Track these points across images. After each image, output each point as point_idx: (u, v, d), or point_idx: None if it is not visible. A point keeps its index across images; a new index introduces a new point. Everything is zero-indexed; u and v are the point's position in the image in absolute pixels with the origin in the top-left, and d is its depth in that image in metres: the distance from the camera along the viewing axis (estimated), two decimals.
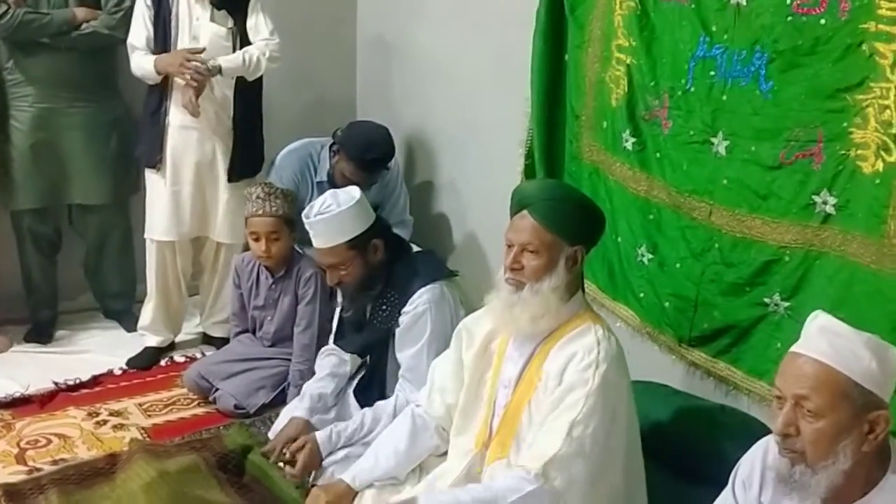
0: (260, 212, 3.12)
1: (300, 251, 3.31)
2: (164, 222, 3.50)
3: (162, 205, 3.49)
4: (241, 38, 3.44)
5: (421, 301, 2.71)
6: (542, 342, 2.17)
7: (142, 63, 3.36)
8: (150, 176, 3.52)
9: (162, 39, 3.37)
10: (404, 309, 2.73)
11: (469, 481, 2.30)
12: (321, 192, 3.44)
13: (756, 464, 1.72)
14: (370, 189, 3.39)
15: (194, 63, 3.27)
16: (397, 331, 2.75)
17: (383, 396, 2.80)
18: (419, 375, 2.68)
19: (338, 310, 2.95)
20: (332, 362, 2.93)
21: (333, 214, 2.70)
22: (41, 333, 3.76)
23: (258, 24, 3.45)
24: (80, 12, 3.40)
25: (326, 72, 4.26)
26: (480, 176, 3.48)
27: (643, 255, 2.60)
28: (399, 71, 4.03)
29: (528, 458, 2.04)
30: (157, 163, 3.46)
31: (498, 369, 2.27)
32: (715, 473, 1.90)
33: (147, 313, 3.66)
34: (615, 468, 2.09)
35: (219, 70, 3.33)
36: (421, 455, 2.45)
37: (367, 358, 2.91)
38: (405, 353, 2.74)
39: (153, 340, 3.67)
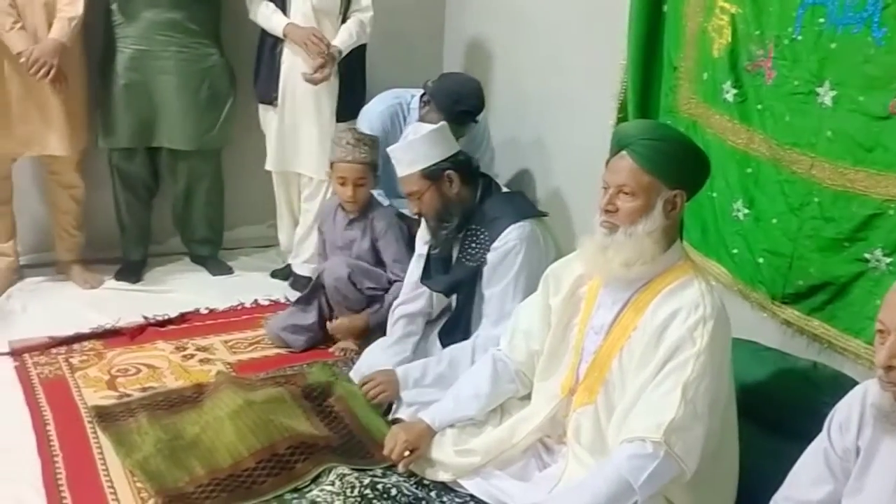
0: (350, 158, 3.19)
1: (379, 198, 3.38)
2: (274, 155, 3.70)
3: (272, 138, 3.69)
4: None
5: (511, 237, 2.71)
6: (638, 290, 2.14)
7: (272, 21, 3.54)
8: (266, 112, 3.71)
9: None
10: (493, 245, 2.73)
11: (554, 427, 2.31)
12: None
13: (854, 406, 1.68)
14: (458, 142, 3.40)
15: (322, 43, 3.47)
16: (485, 268, 2.75)
17: (467, 338, 2.80)
18: (501, 311, 2.70)
19: (425, 248, 2.97)
20: (402, 325, 2.97)
21: (408, 142, 2.79)
22: (130, 273, 3.87)
23: None
24: None
25: (415, 23, 4.28)
26: (569, 131, 3.45)
27: (739, 211, 2.55)
28: (487, 23, 4.01)
29: (643, 427, 1.97)
30: (273, 99, 3.62)
31: (587, 315, 2.25)
32: (807, 428, 1.86)
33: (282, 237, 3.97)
34: (717, 423, 2.06)
35: (339, 53, 3.53)
36: (500, 398, 2.47)
37: (454, 299, 2.93)
38: (491, 289, 2.74)
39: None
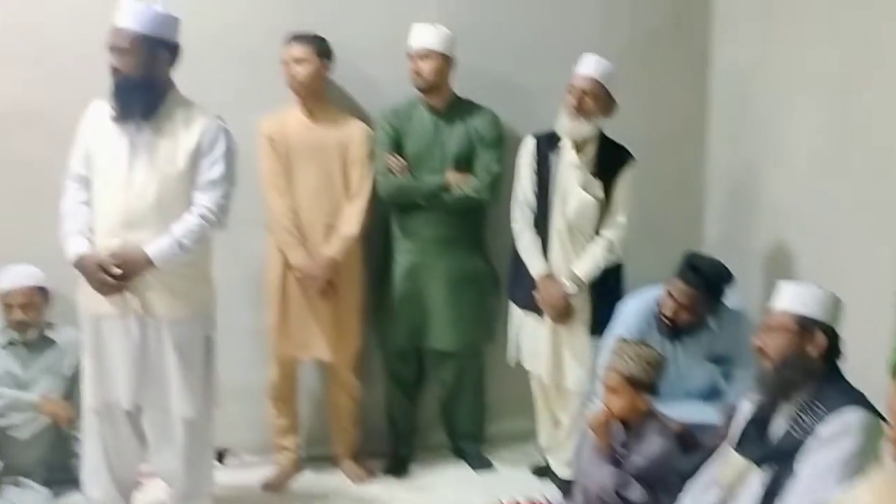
0: (609, 364, 3.19)
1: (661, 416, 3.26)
2: (532, 359, 3.75)
3: (542, 347, 3.71)
4: (607, 208, 3.62)
5: (851, 420, 2.48)
6: None
7: (531, 265, 3.66)
8: (533, 321, 3.74)
9: (542, 197, 3.64)
10: (827, 418, 2.52)
11: None
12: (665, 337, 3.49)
13: None
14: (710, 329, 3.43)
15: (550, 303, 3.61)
16: (810, 440, 2.53)
17: None
18: (809, 496, 2.48)
19: (746, 410, 2.82)
20: None
21: (808, 287, 2.72)
22: (398, 468, 4.06)
23: (618, 203, 3.62)
24: (452, 177, 3.77)
25: (673, 221, 4.34)
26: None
27: None
28: (755, 222, 3.94)
29: None
30: (535, 307, 3.68)
31: None
32: None
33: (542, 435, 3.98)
34: None
35: (580, 283, 3.59)
36: None
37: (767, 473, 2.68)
38: (810, 466, 2.49)
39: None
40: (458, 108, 3.88)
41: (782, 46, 3.71)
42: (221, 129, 3.16)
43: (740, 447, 2.75)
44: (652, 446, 3.13)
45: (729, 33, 4.18)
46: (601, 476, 3.12)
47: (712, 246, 4.26)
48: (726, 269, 3.45)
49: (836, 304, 2.69)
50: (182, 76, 3.33)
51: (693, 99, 4.32)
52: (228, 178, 3.17)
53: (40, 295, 3.64)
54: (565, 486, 3.68)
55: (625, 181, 3.63)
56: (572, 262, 3.61)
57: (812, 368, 2.64)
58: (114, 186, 3.09)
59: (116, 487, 3.34)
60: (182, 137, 3.11)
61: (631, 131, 4.15)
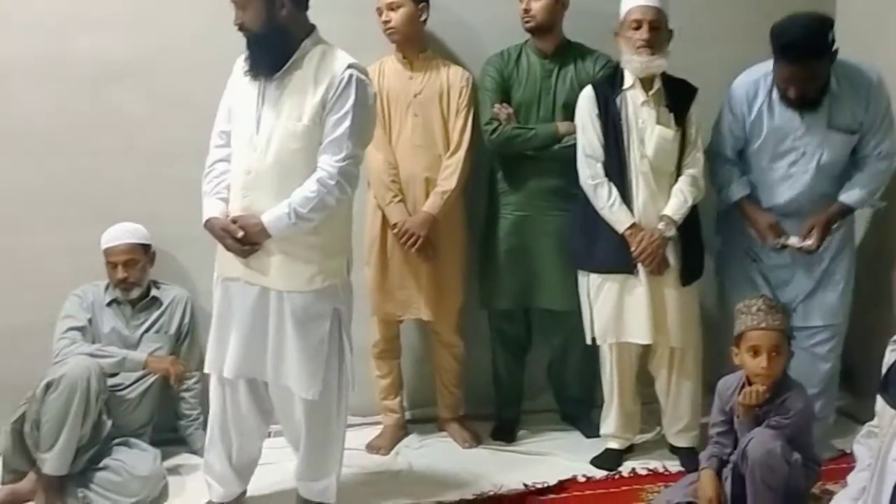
0: (763, 325, 2.91)
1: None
2: (621, 326, 3.47)
3: (640, 309, 3.43)
4: (683, 140, 3.42)
5: None
6: None
7: (612, 216, 3.39)
8: (600, 282, 3.50)
9: (615, 144, 3.38)
10: None
11: None
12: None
13: None
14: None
15: (650, 251, 3.35)
16: None
17: None
18: None
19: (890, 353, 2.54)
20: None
21: None
22: (505, 431, 3.91)
23: (693, 136, 3.43)
24: (563, 126, 3.55)
25: None
26: None
27: None
28: None
29: None
30: (620, 267, 3.43)
31: None
32: None
33: (609, 419, 3.65)
34: None
35: (672, 223, 3.37)
36: None
37: None
38: None
39: (615, 444, 3.66)
40: (568, 52, 3.65)
41: None
42: (354, 80, 2.84)
43: (886, 394, 2.48)
44: (794, 404, 2.92)
45: None
46: (765, 441, 2.88)
47: None
48: (818, 21, 3.15)
49: None
50: None
51: None
52: (355, 136, 2.86)
53: (143, 252, 3.59)
54: (686, 455, 3.51)
55: (695, 113, 3.43)
56: (659, 205, 3.38)
57: None
58: (243, 145, 2.93)
59: (230, 464, 3.16)
60: (310, 91, 2.84)
61: None
